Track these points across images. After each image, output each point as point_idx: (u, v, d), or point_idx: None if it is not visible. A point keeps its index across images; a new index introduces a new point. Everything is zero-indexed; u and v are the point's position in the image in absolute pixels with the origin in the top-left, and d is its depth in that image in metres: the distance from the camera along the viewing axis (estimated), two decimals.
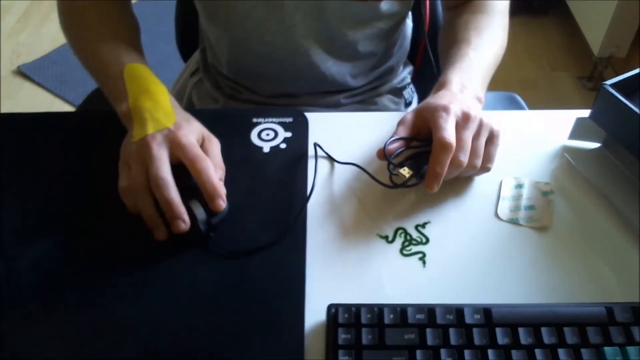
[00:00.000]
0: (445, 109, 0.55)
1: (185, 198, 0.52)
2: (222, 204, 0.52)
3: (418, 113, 0.58)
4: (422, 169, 0.56)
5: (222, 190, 0.53)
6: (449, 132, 0.53)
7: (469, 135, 0.55)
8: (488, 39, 0.68)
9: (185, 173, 0.53)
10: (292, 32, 0.70)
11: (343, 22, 0.70)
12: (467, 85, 0.60)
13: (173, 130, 0.54)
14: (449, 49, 0.67)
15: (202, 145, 0.56)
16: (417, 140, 0.58)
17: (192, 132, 0.56)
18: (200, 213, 0.53)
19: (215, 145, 0.58)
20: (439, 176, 0.53)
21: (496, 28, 0.70)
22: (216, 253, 0.53)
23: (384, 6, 0.69)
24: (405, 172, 0.55)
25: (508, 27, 0.72)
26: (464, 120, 0.55)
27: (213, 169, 0.53)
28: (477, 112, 0.56)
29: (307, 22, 0.69)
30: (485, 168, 0.57)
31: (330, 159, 0.62)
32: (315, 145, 0.62)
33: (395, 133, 0.57)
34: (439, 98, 0.57)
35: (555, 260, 0.54)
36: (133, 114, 0.56)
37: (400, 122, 0.58)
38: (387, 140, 0.56)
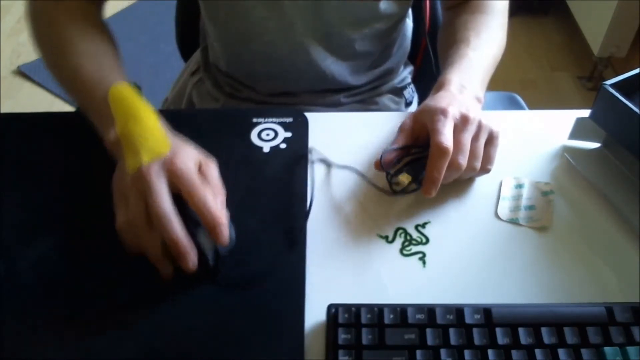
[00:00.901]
0: (444, 112, 0.55)
1: (191, 228, 0.49)
2: (225, 230, 0.49)
3: (416, 117, 0.58)
4: (420, 174, 0.56)
5: (223, 219, 0.49)
6: (446, 137, 0.53)
7: (467, 137, 0.55)
8: (487, 39, 0.68)
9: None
10: (291, 31, 0.70)
11: (342, 21, 0.70)
12: (466, 85, 0.60)
13: (170, 158, 0.50)
14: (448, 49, 0.68)
15: (200, 170, 0.53)
16: (414, 147, 0.58)
17: (189, 159, 0.52)
18: (207, 244, 0.50)
19: (213, 169, 0.54)
20: (437, 181, 0.53)
21: (495, 28, 0.70)
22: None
23: (383, 6, 0.69)
24: (404, 178, 0.56)
25: (507, 27, 0.72)
26: (462, 123, 0.55)
27: (212, 197, 0.50)
28: (476, 113, 0.56)
29: (305, 21, 0.69)
30: (485, 169, 0.57)
31: (329, 162, 0.62)
32: (311, 149, 0.62)
33: (395, 141, 0.57)
34: (438, 100, 0.57)
35: (555, 260, 0.54)
36: (123, 142, 0.52)
37: (401, 129, 0.58)
38: (384, 151, 0.56)
